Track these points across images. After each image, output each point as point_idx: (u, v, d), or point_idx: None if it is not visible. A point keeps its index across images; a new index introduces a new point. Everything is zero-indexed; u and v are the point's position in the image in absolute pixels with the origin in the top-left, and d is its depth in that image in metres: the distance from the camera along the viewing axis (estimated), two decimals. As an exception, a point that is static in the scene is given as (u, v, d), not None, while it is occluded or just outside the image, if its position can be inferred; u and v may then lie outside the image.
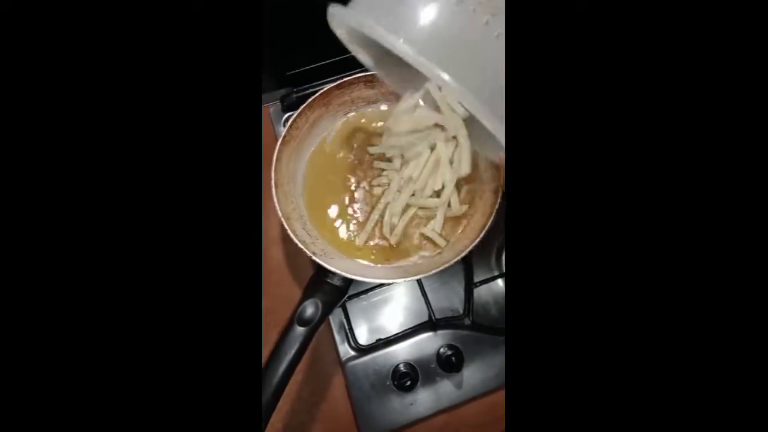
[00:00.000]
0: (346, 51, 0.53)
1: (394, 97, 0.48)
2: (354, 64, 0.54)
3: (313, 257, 0.39)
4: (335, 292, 0.39)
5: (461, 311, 0.45)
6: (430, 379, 0.43)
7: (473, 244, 0.39)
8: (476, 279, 0.46)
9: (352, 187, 0.46)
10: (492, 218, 0.40)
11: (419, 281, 0.45)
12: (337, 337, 0.45)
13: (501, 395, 0.43)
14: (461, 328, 0.45)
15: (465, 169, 0.39)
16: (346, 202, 0.46)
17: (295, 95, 0.54)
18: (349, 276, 0.39)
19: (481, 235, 0.39)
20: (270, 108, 0.56)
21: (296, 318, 0.36)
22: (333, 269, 0.38)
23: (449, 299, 0.46)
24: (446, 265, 0.39)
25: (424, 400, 0.42)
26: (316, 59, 0.53)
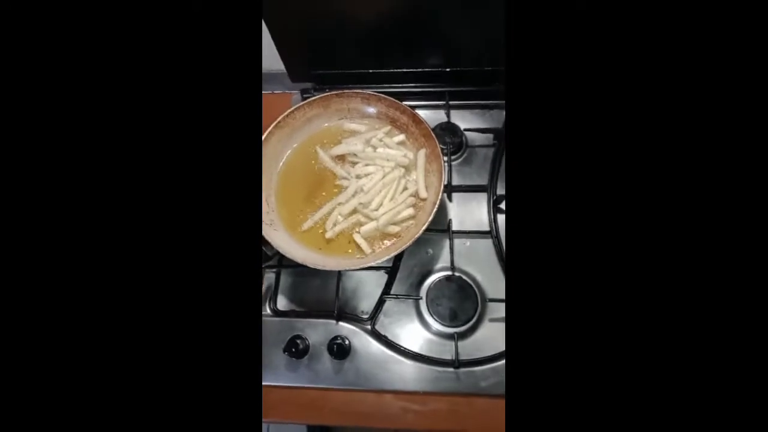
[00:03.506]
0: (367, 66, 0.61)
1: (385, 118, 0.55)
2: (371, 80, 0.61)
3: (264, 225, 0.47)
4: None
5: (367, 315, 0.51)
6: (316, 359, 0.49)
7: (385, 257, 0.45)
8: (393, 291, 0.51)
9: (322, 181, 0.54)
10: (407, 245, 0.45)
11: (338, 276, 0.52)
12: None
13: (373, 395, 0.48)
14: (362, 329, 0.50)
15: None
16: (312, 191, 0.53)
17: (313, 91, 0.62)
18: (279, 250, 0.46)
19: (393, 254, 0.45)
20: (293, 96, 0.65)
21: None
22: (267, 238, 0.46)
23: (361, 300, 0.52)
24: (357, 267, 0.45)
25: (305, 374, 0.49)
26: (341, 66, 0.61)
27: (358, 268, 0.47)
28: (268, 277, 0.54)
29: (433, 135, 0.50)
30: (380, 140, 0.53)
